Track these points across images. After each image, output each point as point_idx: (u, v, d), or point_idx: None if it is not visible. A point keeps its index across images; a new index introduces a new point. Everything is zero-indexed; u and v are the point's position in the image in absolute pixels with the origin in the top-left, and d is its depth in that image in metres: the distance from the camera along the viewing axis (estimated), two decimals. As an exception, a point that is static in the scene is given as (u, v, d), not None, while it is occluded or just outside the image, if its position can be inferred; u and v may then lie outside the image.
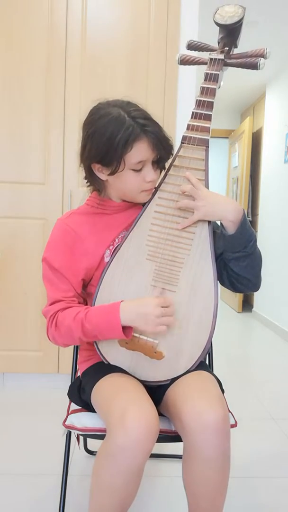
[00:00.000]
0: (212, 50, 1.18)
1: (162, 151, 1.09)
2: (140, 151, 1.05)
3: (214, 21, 1.13)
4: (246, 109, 5.35)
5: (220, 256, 1.16)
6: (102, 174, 1.11)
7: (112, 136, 1.03)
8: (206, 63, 1.17)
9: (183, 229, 1.10)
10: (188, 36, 2.19)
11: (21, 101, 2.19)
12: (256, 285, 1.17)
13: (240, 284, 1.16)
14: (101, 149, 1.05)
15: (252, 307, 4.68)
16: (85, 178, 1.16)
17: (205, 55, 1.20)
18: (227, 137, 5.49)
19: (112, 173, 1.07)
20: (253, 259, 1.12)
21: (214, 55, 1.15)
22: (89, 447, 1.69)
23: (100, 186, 1.15)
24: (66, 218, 1.16)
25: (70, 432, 1.21)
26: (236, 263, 1.12)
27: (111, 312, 1.04)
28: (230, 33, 1.15)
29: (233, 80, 4.36)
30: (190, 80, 2.25)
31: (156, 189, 1.14)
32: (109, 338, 1.08)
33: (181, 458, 1.68)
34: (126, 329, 1.05)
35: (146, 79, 2.20)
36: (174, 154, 1.13)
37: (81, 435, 1.15)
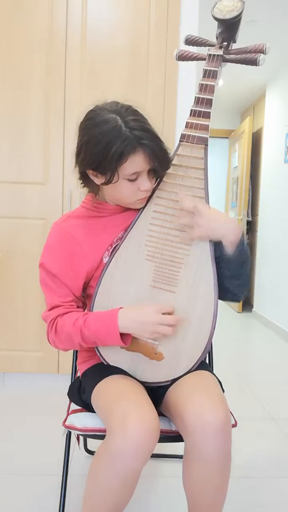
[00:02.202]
0: (210, 45, 1.15)
1: (158, 164, 1.05)
2: (135, 163, 1.02)
3: (213, 15, 1.10)
4: (246, 109, 5.34)
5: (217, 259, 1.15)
6: (96, 179, 1.08)
7: (107, 147, 0.99)
8: (204, 59, 1.14)
9: (183, 230, 1.09)
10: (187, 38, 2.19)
11: (21, 101, 2.19)
12: (240, 299, 1.18)
13: (225, 297, 1.16)
14: (95, 158, 1.01)
15: (252, 307, 4.68)
16: (80, 179, 1.13)
17: (203, 51, 1.17)
18: (227, 137, 5.49)
19: (106, 183, 1.04)
20: (246, 278, 1.13)
21: (213, 51, 1.13)
22: (89, 447, 1.69)
23: (95, 189, 1.13)
24: (62, 222, 1.14)
25: (70, 432, 1.21)
26: (230, 281, 1.12)
27: (109, 320, 1.03)
28: (229, 28, 1.12)
29: (233, 80, 4.36)
30: (190, 80, 2.25)
31: (155, 188, 1.12)
32: (108, 345, 1.08)
33: (181, 458, 1.68)
34: (124, 335, 1.04)
35: (146, 79, 2.20)
36: (173, 153, 1.12)
37: (81, 435, 1.15)
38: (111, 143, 0.99)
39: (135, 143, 0.99)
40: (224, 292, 1.14)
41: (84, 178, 1.11)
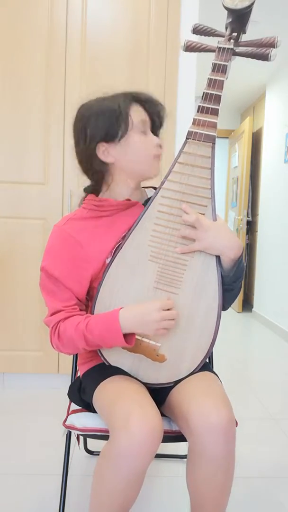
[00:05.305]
0: (219, 35, 1.10)
1: (156, 114, 1.14)
2: (139, 112, 1.10)
3: (223, 5, 1.04)
4: (246, 109, 5.35)
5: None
6: (108, 155, 1.09)
7: (113, 106, 1.06)
8: (213, 51, 1.09)
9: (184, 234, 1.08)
10: (188, 36, 2.19)
11: (21, 101, 2.19)
12: (226, 309, 1.19)
13: None
14: (103, 123, 1.06)
15: (252, 307, 4.68)
16: (85, 171, 1.15)
17: (211, 41, 1.11)
18: (227, 137, 5.49)
19: (121, 137, 1.07)
20: (237, 292, 1.14)
21: (223, 44, 1.07)
22: (89, 447, 1.69)
23: (103, 176, 1.13)
24: (64, 225, 1.12)
25: (70, 432, 1.21)
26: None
27: (111, 322, 1.02)
28: (240, 18, 1.06)
29: (233, 80, 4.36)
30: (190, 80, 2.25)
31: (160, 187, 1.09)
32: (113, 346, 1.07)
33: (181, 458, 1.68)
34: (128, 335, 1.04)
35: (146, 79, 2.20)
36: (179, 151, 1.08)
37: (81, 435, 1.15)
38: (114, 103, 1.07)
39: (131, 98, 1.11)
40: None
41: (92, 165, 1.12)
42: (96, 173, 1.13)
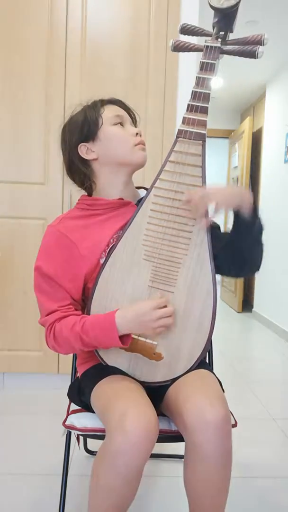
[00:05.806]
0: (207, 35, 1.12)
1: (131, 112, 1.21)
2: (112, 108, 1.16)
3: (210, 4, 1.05)
4: (246, 109, 5.34)
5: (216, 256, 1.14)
6: (91, 152, 1.14)
7: (86, 113, 1.14)
8: (201, 50, 1.10)
9: (181, 230, 1.07)
10: (187, 36, 2.19)
11: (21, 101, 2.19)
12: (259, 266, 1.15)
13: (243, 269, 1.16)
14: (79, 125, 1.14)
15: (252, 307, 4.68)
16: (72, 177, 1.20)
17: (200, 41, 1.13)
18: (227, 137, 5.49)
19: (97, 132, 1.12)
20: (262, 247, 1.12)
21: (210, 42, 1.09)
22: (89, 447, 1.69)
23: (88, 177, 1.17)
24: (57, 224, 1.14)
25: (70, 432, 1.21)
26: (251, 249, 1.11)
27: (107, 325, 1.02)
28: (226, 17, 1.07)
29: (233, 80, 4.36)
30: (190, 80, 2.24)
31: (151, 186, 1.09)
32: (109, 347, 1.07)
33: (181, 458, 1.68)
34: (124, 336, 1.04)
35: (146, 79, 2.20)
36: (169, 150, 1.09)
37: (81, 435, 1.15)
38: (87, 109, 1.15)
39: (105, 101, 1.18)
40: (243, 264, 1.13)
41: (79, 167, 1.17)
42: (81, 175, 1.18)
